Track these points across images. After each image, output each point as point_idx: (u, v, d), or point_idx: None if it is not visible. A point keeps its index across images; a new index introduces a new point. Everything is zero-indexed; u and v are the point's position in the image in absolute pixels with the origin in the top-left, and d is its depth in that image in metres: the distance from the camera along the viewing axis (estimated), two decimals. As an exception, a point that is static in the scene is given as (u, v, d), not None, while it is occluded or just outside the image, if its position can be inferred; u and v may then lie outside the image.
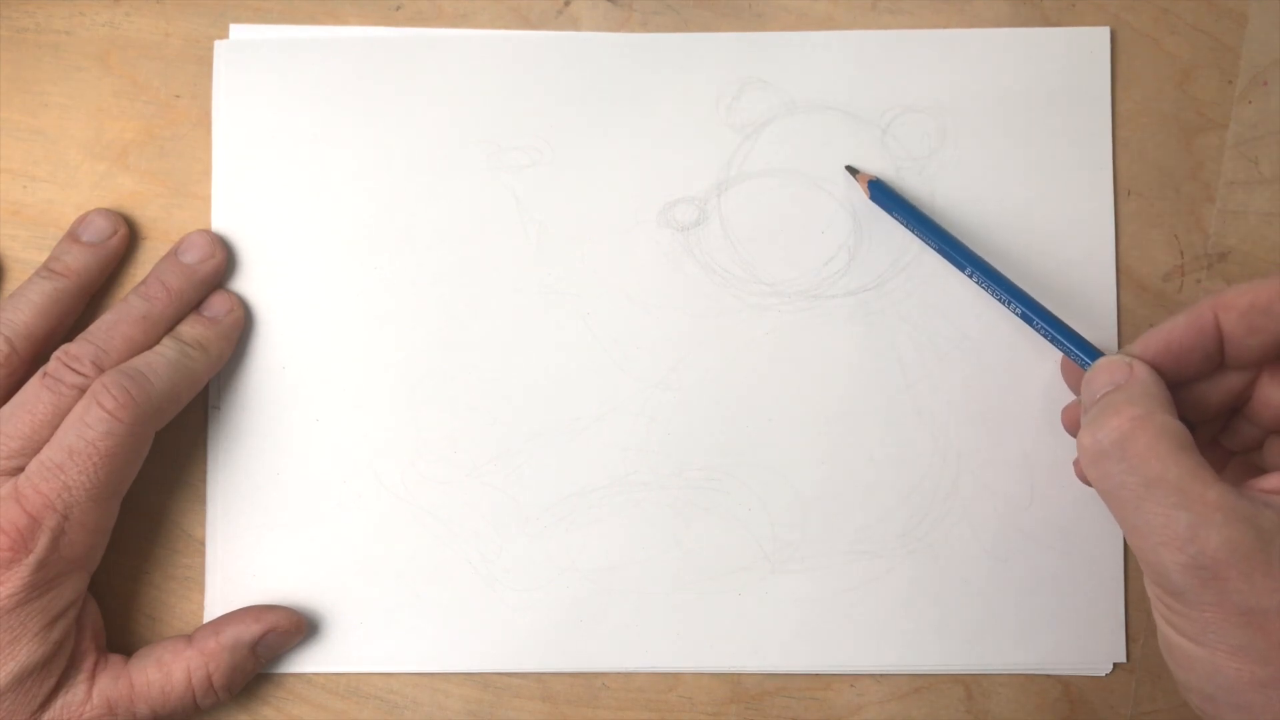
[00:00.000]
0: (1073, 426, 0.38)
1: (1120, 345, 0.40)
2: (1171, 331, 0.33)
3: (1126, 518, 0.30)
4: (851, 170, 0.40)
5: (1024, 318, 0.37)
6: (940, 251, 0.39)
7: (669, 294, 0.41)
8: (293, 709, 0.40)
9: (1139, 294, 0.41)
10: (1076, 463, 0.38)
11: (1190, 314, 0.33)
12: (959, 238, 0.39)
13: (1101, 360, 0.33)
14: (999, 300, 0.37)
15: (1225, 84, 0.41)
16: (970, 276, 0.38)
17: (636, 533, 0.40)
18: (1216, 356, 0.33)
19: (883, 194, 0.39)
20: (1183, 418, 0.33)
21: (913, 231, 0.39)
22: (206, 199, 0.41)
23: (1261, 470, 0.34)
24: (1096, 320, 0.40)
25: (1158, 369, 0.32)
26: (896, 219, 0.39)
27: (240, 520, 0.40)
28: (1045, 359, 0.40)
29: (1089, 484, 0.33)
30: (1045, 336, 0.36)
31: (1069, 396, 0.40)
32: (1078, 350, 0.35)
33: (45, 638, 0.35)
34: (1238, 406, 0.35)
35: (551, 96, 0.41)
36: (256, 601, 0.40)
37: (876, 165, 0.41)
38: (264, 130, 0.41)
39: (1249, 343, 0.32)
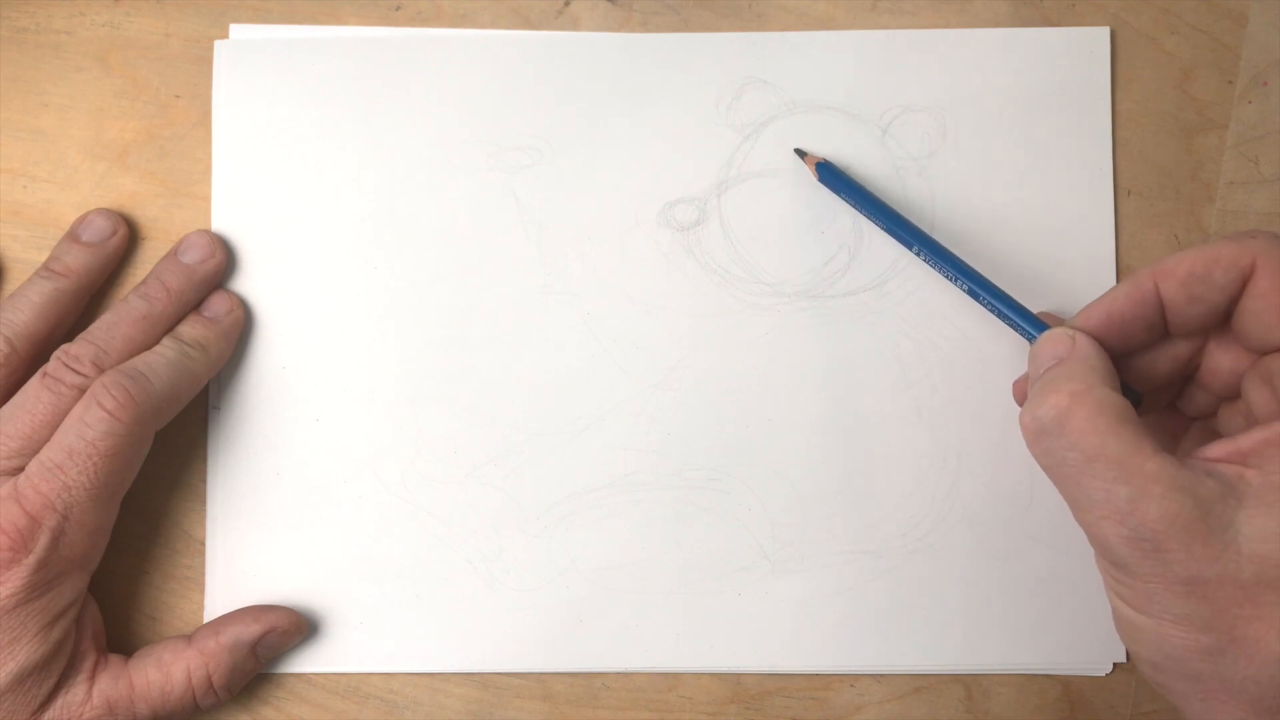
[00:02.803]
0: (1022, 398, 0.38)
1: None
2: (1113, 302, 0.33)
3: (1069, 493, 0.30)
4: (800, 153, 0.40)
5: (970, 293, 0.37)
6: (889, 231, 0.39)
7: (669, 294, 0.41)
8: (293, 709, 0.40)
9: (1139, 294, 0.41)
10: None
11: (1130, 283, 0.33)
12: (906, 215, 0.39)
13: (1045, 334, 0.33)
14: (946, 277, 0.37)
15: (1225, 84, 0.41)
16: (918, 254, 0.38)
17: (636, 533, 0.40)
18: (1160, 326, 0.33)
19: (830, 175, 0.39)
20: (1133, 387, 0.33)
21: (862, 213, 0.39)
22: (206, 199, 0.41)
23: (1218, 435, 0.34)
24: (1096, 320, 0.40)
25: (1101, 340, 0.32)
26: (845, 201, 0.39)
27: (240, 520, 0.40)
28: (1045, 359, 0.40)
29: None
30: (993, 312, 0.36)
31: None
32: (1024, 324, 0.35)
33: (45, 638, 0.35)
34: (1189, 374, 0.35)
35: (551, 96, 0.41)
36: (256, 601, 0.40)
37: (877, 165, 0.41)
38: (264, 130, 0.41)
39: (1190, 311, 0.32)
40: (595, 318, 0.41)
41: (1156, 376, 0.34)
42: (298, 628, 0.39)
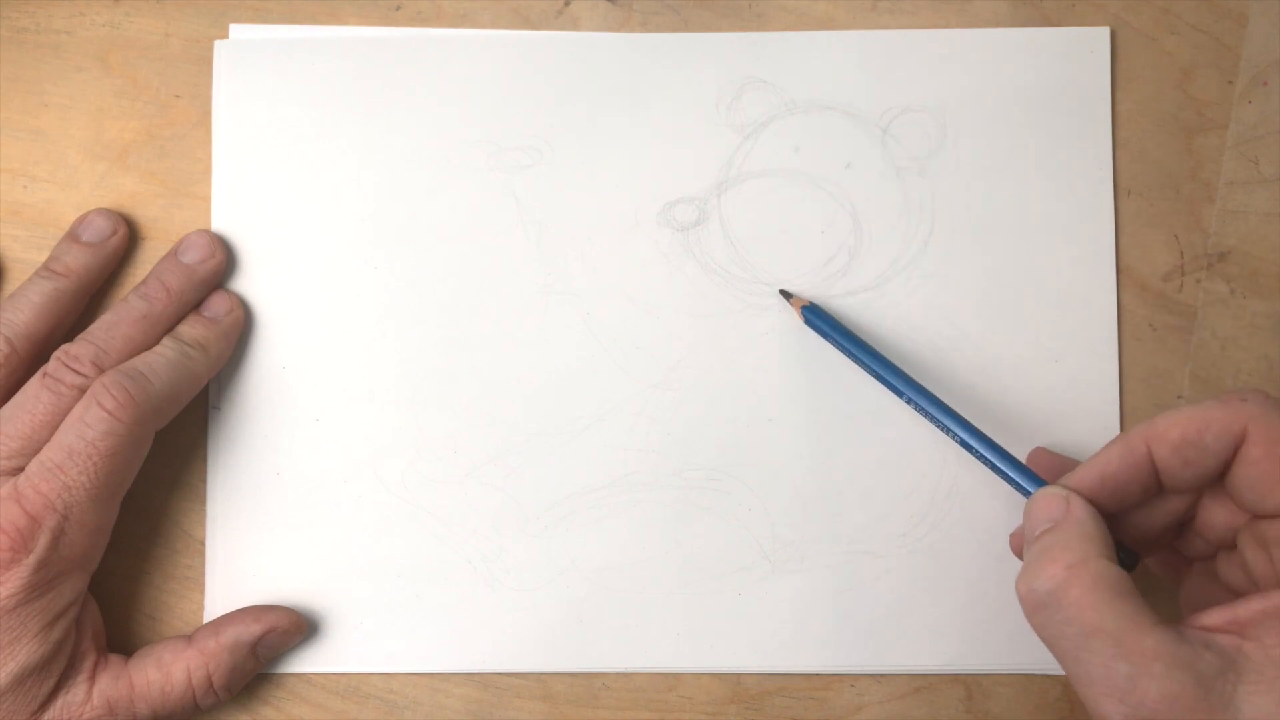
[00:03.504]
0: (1020, 551, 0.37)
1: (1121, 351, 0.41)
2: (1106, 465, 0.32)
3: (1068, 667, 0.30)
4: (785, 294, 0.40)
5: (964, 445, 0.36)
6: (877, 377, 0.38)
7: (669, 294, 0.41)
8: (293, 709, 0.40)
9: (1139, 294, 0.41)
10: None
11: (1123, 446, 0.32)
12: (897, 363, 0.38)
13: (1039, 493, 0.33)
14: (938, 427, 0.37)
15: (1225, 84, 0.41)
16: (909, 404, 0.37)
17: (636, 533, 0.40)
18: (1154, 485, 0.33)
19: (817, 318, 0.39)
20: (1127, 543, 0.33)
21: (849, 356, 0.39)
22: (206, 199, 0.41)
23: (1217, 579, 0.34)
24: (1096, 320, 0.40)
25: (1095, 500, 0.32)
26: (832, 343, 0.39)
27: (240, 520, 0.40)
28: (1045, 359, 0.40)
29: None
30: (986, 464, 0.36)
31: (1067, 399, 0.40)
32: (1018, 479, 0.35)
33: (45, 638, 0.35)
34: (1185, 523, 0.34)
35: (551, 96, 0.41)
36: (256, 601, 0.40)
37: (876, 165, 0.41)
38: (264, 130, 0.41)
39: (1183, 473, 0.32)
40: (595, 318, 0.41)
41: (1152, 531, 0.34)
42: (298, 628, 0.39)
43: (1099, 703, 0.29)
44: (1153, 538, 0.34)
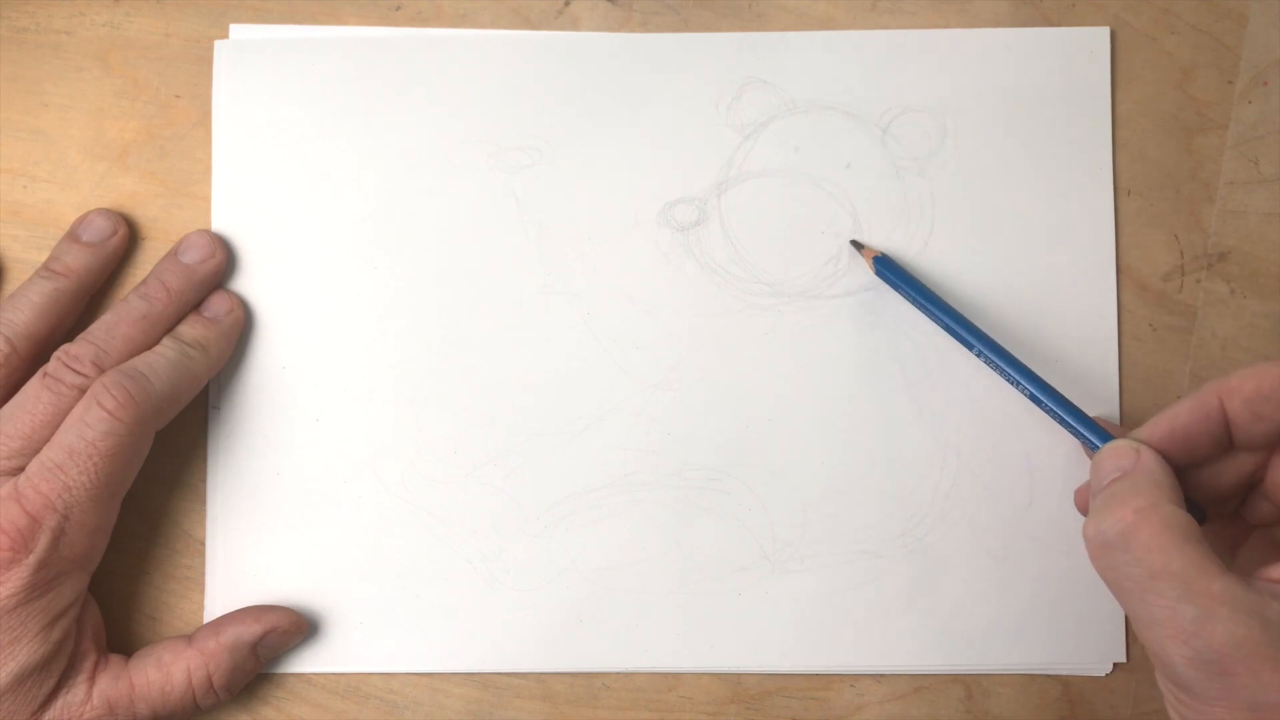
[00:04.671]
0: (1085, 507, 0.37)
1: (1120, 345, 0.41)
2: (1177, 417, 0.32)
3: (1133, 609, 0.30)
4: (856, 245, 0.40)
5: (1033, 399, 0.37)
6: (947, 329, 0.38)
7: (669, 294, 0.41)
8: (293, 709, 0.41)
9: (1139, 294, 0.41)
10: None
11: (1195, 399, 0.32)
12: (966, 315, 0.38)
13: (1108, 445, 0.33)
14: (1007, 380, 0.37)
15: (1225, 84, 0.41)
16: (978, 356, 0.38)
17: (636, 533, 0.40)
18: (1225, 440, 0.33)
19: (888, 269, 0.39)
20: (1195, 499, 0.32)
21: (919, 308, 0.39)
22: (206, 199, 0.41)
23: (1277, 546, 0.34)
24: (1096, 320, 0.40)
25: (1165, 453, 0.32)
26: (902, 295, 0.39)
27: (240, 520, 0.40)
28: (1045, 359, 0.40)
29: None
30: (1054, 418, 0.36)
31: (1070, 398, 0.40)
32: (1087, 433, 0.35)
33: (45, 638, 0.35)
34: (1253, 484, 0.34)
35: (551, 96, 0.41)
36: (257, 601, 0.40)
37: (876, 165, 0.41)
38: (264, 130, 0.41)
39: (1255, 428, 0.32)
40: (595, 318, 0.41)
41: (1221, 489, 0.34)
42: (298, 628, 0.39)
43: (1163, 644, 0.29)
44: (1221, 496, 0.34)
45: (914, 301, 0.39)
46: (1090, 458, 0.37)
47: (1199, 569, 0.29)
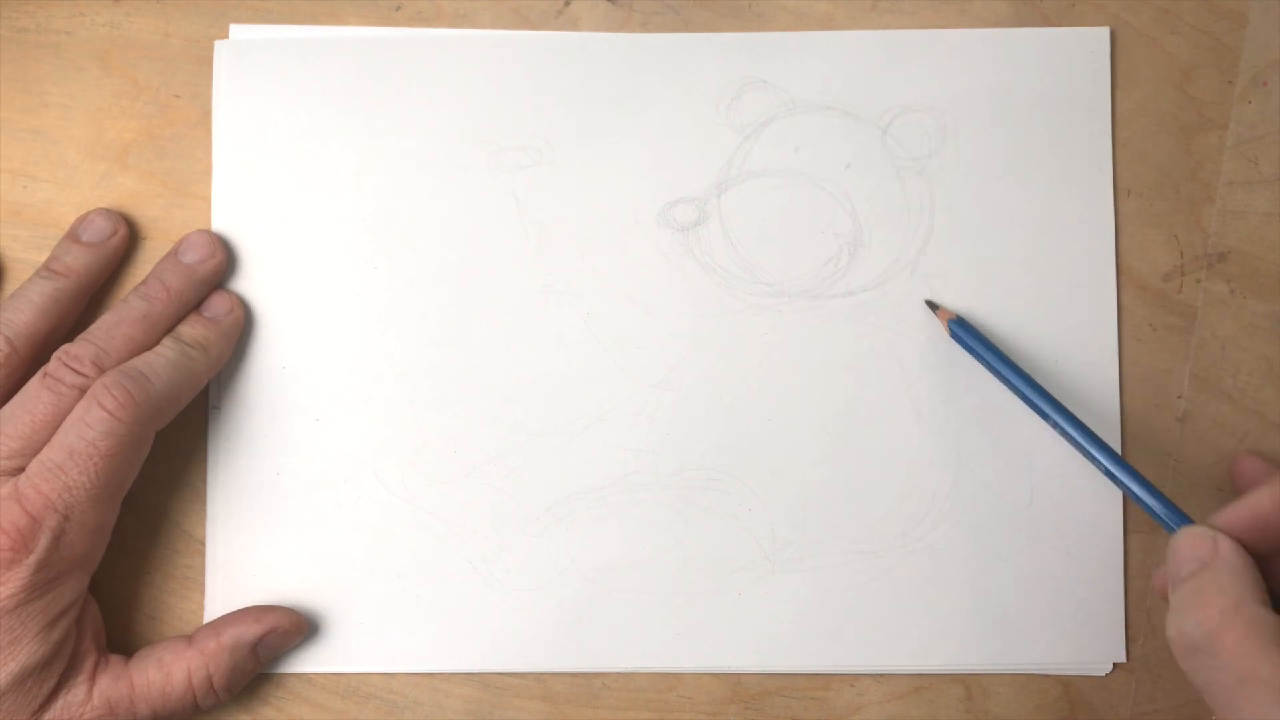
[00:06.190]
0: (1163, 592, 0.35)
1: (1119, 343, 0.41)
2: (1258, 505, 0.32)
3: (1221, 712, 0.29)
4: (932, 305, 0.40)
5: (1107, 474, 0.35)
6: (1021, 396, 0.37)
7: (669, 294, 0.41)
8: (293, 709, 0.41)
9: (1139, 294, 0.41)
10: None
11: (1276, 486, 0.32)
12: (1042, 384, 0.38)
13: (1184, 531, 0.32)
14: (1081, 452, 0.36)
15: (1225, 84, 0.41)
16: (1054, 427, 0.37)
17: (636, 533, 0.40)
18: None
19: (964, 332, 0.39)
20: (1277, 590, 0.32)
21: (993, 373, 0.38)
22: (206, 199, 0.41)
23: None
24: (1096, 320, 0.40)
25: (1245, 542, 0.31)
26: (976, 358, 0.39)
27: (240, 520, 0.40)
28: (1044, 359, 0.40)
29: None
30: (1129, 495, 0.35)
31: (1067, 399, 0.40)
32: (1163, 515, 0.34)
33: (46, 638, 0.35)
34: None
35: (551, 97, 0.41)
36: (257, 601, 0.40)
37: (876, 165, 0.41)
38: (264, 130, 0.41)
39: None
40: (595, 318, 0.41)
41: None
42: (298, 628, 0.39)
43: None
44: None
45: (988, 366, 0.38)
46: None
47: None
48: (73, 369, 0.36)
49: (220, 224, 0.41)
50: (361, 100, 0.41)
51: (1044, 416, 0.37)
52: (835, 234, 0.41)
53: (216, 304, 0.40)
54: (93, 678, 0.36)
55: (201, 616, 0.40)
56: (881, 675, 0.40)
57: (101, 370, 0.36)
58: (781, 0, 0.41)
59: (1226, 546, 0.31)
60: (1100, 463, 0.36)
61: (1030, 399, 0.37)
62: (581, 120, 0.41)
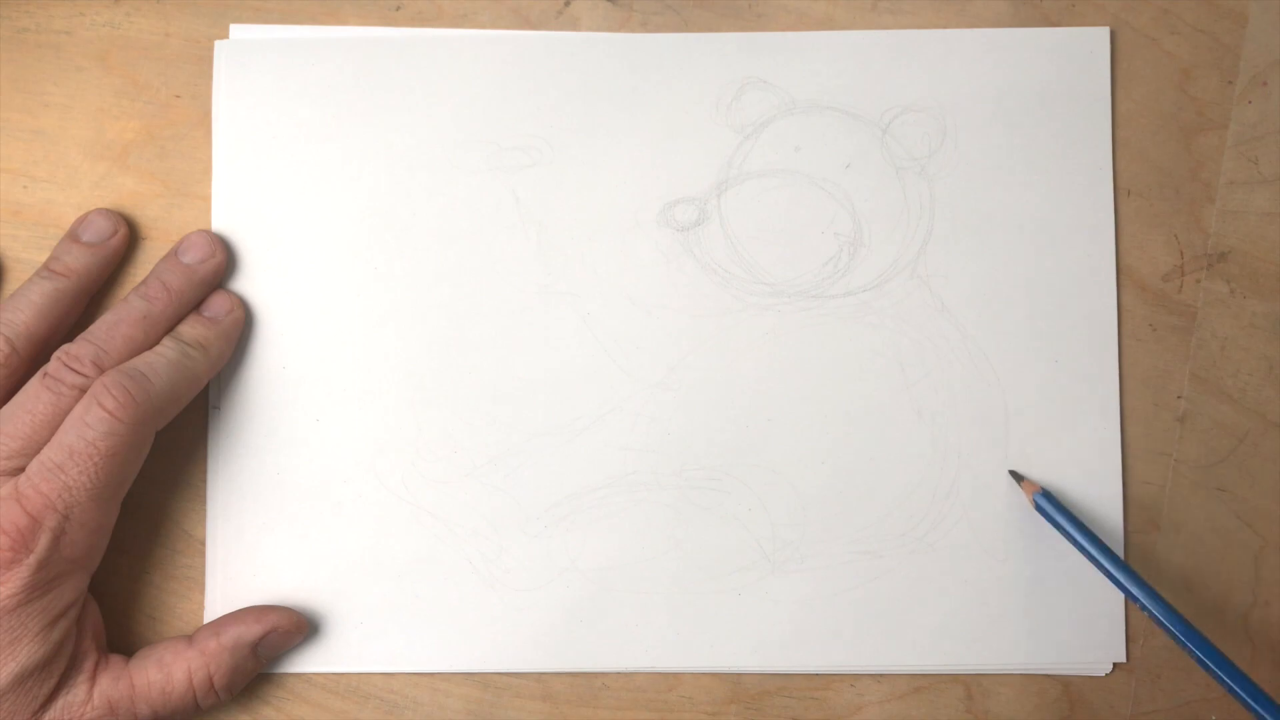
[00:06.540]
0: None
1: (1120, 346, 0.41)
2: None
3: None
4: (1016, 476, 0.40)
5: (1200, 663, 0.34)
6: (1107, 574, 0.37)
7: (669, 294, 0.41)
8: (293, 709, 0.41)
9: (1139, 294, 0.41)
10: None
11: None
12: (1124, 558, 0.37)
13: None
14: (1170, 636, 0.35)
15: (1225, 84, 0.41)
16: (1142, 609, 0.36)
17: (636, 533, 0.40)
18: None
19: (1050, 505, 0.38)
20: None
21: (1078, 548, 0.38)
22: (206, 199, 0.41)
23: None
24: (1096, 320, 0.40)
25: None
26: (1062, 533, 0.38)
27: (240, 520, 0.40)
28: (1045, 359, 0.40)
29: None
30: (1219, 681, 0.34)
31: (1067, 399, 0.40)
32: (1262, 711, 0.33)
33: (46, 638, 0.35)
34: None
35: (551, 97, 0.41)
36: (257, 601, 0.40)
37: (876, 165, 0.41)
38: (264, 130, 0.41)
39: None
40: (595, 318, 0.41)
41: None
42: (298, 628, 0.39)
43: None
44: None
45: (1074, 542, 0.38)
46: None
47: None
48: (73, 369, 0.36)
49: (220, 224, 0.41)
50: (361, 100, 0.41)
51: (1131, 598, 0.36)
52: (835, 234, 0.41)
53: (216, 304, 0.40)
54: (93, 678, 0.36)
55: (201, 616, 0.40)
56: (881, 675, 0.40)
57: (101, 370, 0.36)
58: (781, 0, 0.41)
59: None
60: (1195, 653, 0.34)
61: (1119, 580, 0.37)
62: (581, 120, 0.41)
